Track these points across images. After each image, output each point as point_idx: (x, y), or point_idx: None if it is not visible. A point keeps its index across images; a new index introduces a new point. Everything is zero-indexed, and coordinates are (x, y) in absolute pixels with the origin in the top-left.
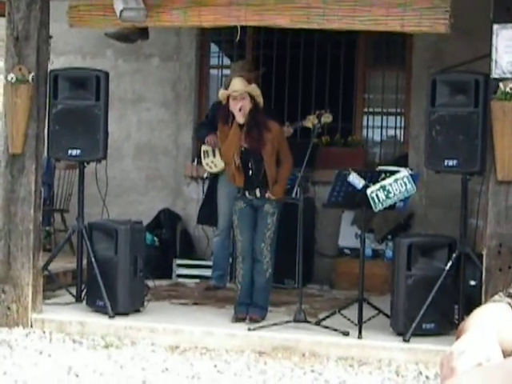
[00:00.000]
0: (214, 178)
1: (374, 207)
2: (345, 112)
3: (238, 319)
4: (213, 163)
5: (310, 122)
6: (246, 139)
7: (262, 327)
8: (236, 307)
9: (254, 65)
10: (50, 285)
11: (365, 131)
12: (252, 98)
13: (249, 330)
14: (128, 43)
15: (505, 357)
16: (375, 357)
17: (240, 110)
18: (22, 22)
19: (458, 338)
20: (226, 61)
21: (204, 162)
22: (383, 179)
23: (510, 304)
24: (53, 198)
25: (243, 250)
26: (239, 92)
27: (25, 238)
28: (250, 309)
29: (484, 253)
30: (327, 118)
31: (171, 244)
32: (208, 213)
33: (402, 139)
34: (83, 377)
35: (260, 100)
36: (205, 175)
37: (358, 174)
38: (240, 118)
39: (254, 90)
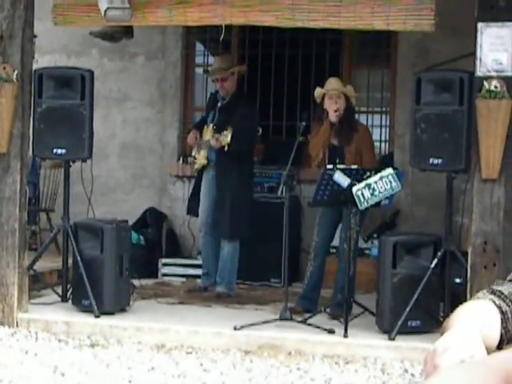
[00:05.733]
0: (200, 172)
1: (359, 205)
2: None
3: (295, 312)
4: (195, 159)
5: (223, 137)
6: (336, 136)
7: (247, 326)
8: (297, 299)
9: (232, 62)
10: (36, 284)
11: None
12: (346, 98)
13: (235, 328)
14: (113, 42)
15: (488, 354)
16: (361, 355)
17: (336, 111)
18: (6, 21)
19: (442, 335)
20: (212, 59)
21: (190, 158)
22: (368, 177)
23: (493, 301)
24: (38, 197)
25: (316, 249)
26: (337, 91)
27: (10, 237)
28: (332, 307)
29: (469, 250)
30: (225, 136)
31: (157, 243)
32: (195, 204)
33: (387, 138)
34: (69, 376)
35: (354, 100)
36: (193, 168)
37: (343, 172)
38: (334, 118)
39: (350, 91)
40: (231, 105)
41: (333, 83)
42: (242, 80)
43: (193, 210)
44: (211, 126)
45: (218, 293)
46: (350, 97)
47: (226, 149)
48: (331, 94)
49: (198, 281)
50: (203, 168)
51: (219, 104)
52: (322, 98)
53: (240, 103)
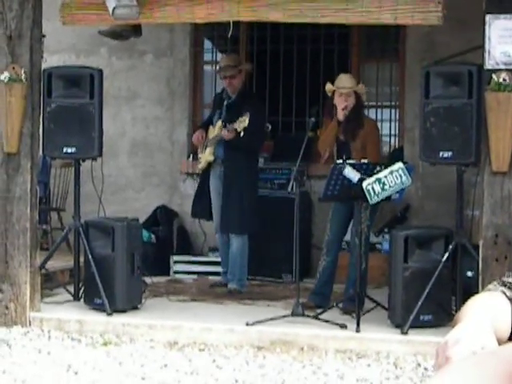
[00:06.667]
0: (205, 172)
1: (369, 200)
2: None
3: (307, 307)
4: (200, 159)
5: (238, 124)
6: (342, 133)
7: (260, 322)
8: (309, 295)
9: (239, 60)
10: (48, 283)
11: None
12: (357, 94)
13: (247, 325)
14: (121, 40)
15: (500, 345)
16: (373, 349)
17: (343, 109)
18: (14, 21)
19: (453, 327)
20: (220, 56)
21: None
22: (378, 172)
23: (503, 292)
24: (49, 196)
25: (328, 244)
26: (347, 90)
27: (21, 236)
28: (344, 302)
29: (480, 243)
30: (243, 121)
31: (168, 241)
32: (200, 206)
33: (397, 132)
34: (82, 374)
35: (364, 98)
36: (198, 170)
37: (353, 167)
38: (341, 116)
39: (361, 88)
40: (239, 102)
41: (343, 80)
42: (247, 78)
43: (197, 212)
44: (220, 122)
45: (230, 289)
46: (360, 94)
47: (241, 134)
48: (341, 92)
49: (219, 278)
50: (209, 165)
51: (225, 102)
52: (333, 93)
53: (247, 101)
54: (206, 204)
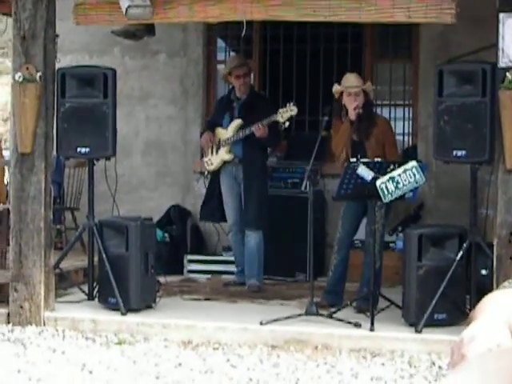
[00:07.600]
0: (215, 174)
1: (383, 199)
2: None
3: (321, 306)
4: (210, 161)
5: (280, 115)
6: (356, 132)
7: (273, 321)
8: (322, 294)
9: (243, 58)
10: (62, 283)
11: None
12: (365, 93)
13: (261, 324)
14: (134, 40)
15: None
16: (388, 348)
17: (355, 108)
18: (28, 21)
19: (468, 325)
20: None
21: (204, 160)
22: (392, 170)
23: None
24: (63, 196)
25: (339, 241)
26: (355, 89)
27: (36, 236)
28: (358, 301)
29: (494, 242)
30: (291, 110)
31: (182, 240)
32: (209, 209)
33: (410, 130)
34: (97, 373)
35: (372, 95)
36: (205, 173)
37: (367, 165)
38: (353, 116)
39: (369, 86)
40: (252, 101)
41: (351, 79)
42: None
43: (207, 215)
44: (238, 121)
45: (250, 285)
46: (368, 92)
47: (287, 124)
48: (350, 92)
49: (233, 277)
50: (223, 164)
51: (235, 104)
52: (340, 94)
53: (259, 100)
54: (215, 206)
